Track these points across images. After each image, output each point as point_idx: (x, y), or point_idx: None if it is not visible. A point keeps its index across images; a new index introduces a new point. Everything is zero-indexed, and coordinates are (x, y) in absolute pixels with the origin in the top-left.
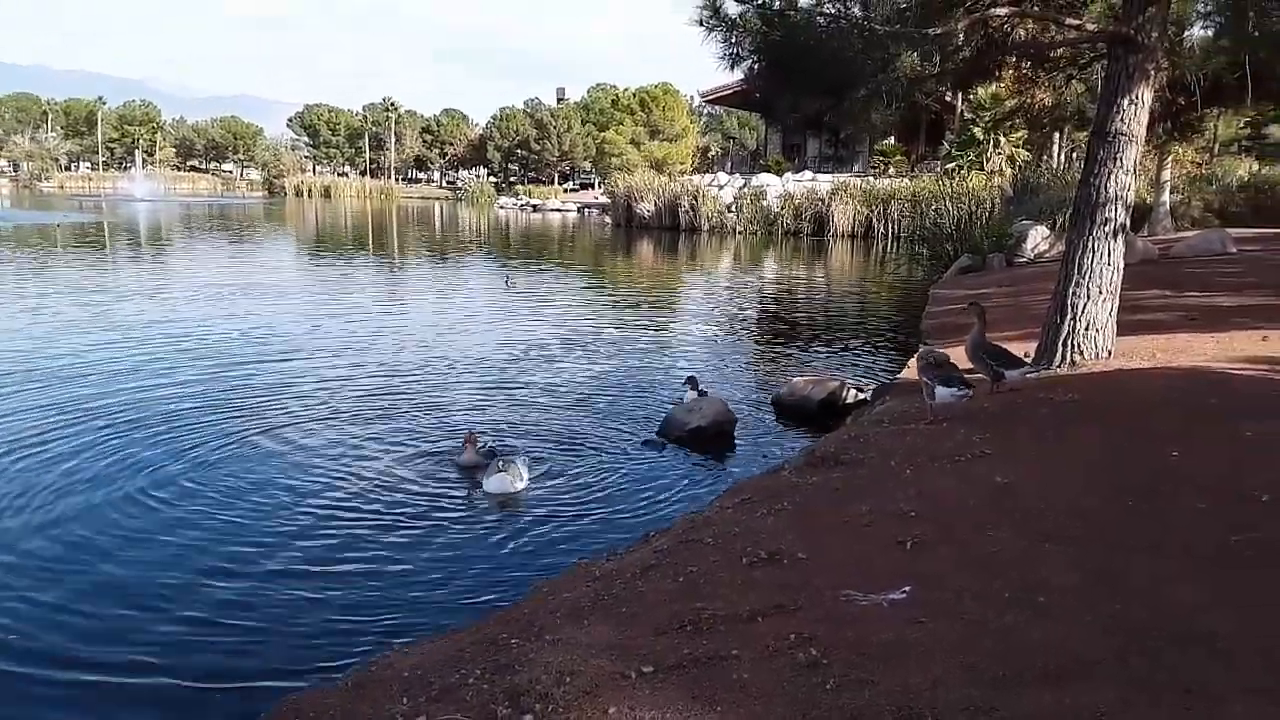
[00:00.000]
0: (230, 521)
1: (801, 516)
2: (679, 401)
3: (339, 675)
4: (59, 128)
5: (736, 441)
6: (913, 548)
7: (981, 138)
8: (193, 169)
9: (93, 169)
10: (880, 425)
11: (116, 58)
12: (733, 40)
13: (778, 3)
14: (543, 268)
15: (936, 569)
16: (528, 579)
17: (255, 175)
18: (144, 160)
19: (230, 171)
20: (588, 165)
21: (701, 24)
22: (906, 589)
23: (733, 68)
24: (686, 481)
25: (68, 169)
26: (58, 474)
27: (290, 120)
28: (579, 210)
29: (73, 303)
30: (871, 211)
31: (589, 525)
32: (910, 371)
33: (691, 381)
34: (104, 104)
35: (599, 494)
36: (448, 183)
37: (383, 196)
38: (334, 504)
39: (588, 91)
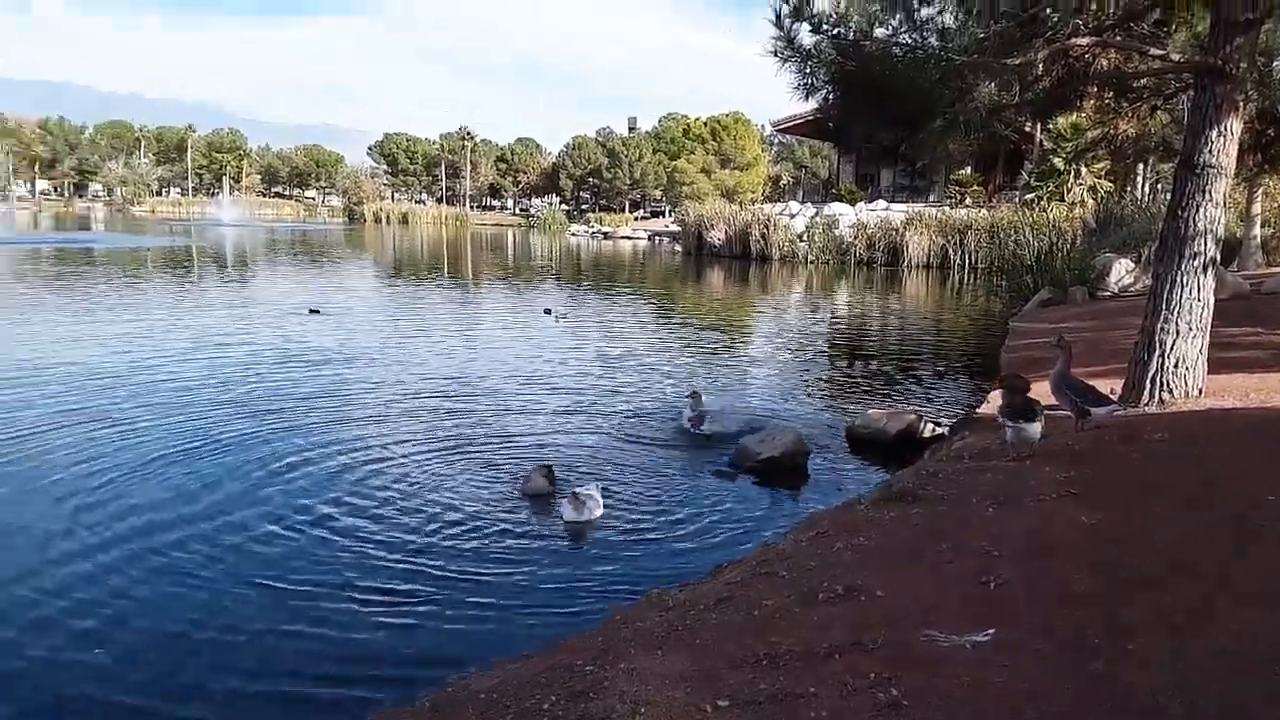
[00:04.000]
0: (305, 542)
1: (879, 552)
2: (699, 414)
3: (416, 695)
4: (151, 154)
5: (810, 473)
6: (996, 588)
7: (1062, 168)
8: (277, 195)
9: (182, 194)
10: (960, 461)
11: (207, 87)
12: (807, 71)
13: (853, 33)
14: (612, 294)
15: (1020, 611)
16: (600, 607)
17: (336, 202)
18: (231, 186)
19: (312, 198)
20: (658, 193)
21: (775, 55)
22: (990, 631)
23: (807, 98)
24: (758, 512)
25: (159, 194)
26: (142, 484)
27: (370, 149)
28: (649, 238)
29: (161, 322)
30: (947, 242)
31: (660, 555)
32: (990, 406)
33: (695, 397)
34: (194, 132)
35: (669, 523)
36: (521, 210)
37: (457, 223)
38: (408, 527)
39: (659, 121)
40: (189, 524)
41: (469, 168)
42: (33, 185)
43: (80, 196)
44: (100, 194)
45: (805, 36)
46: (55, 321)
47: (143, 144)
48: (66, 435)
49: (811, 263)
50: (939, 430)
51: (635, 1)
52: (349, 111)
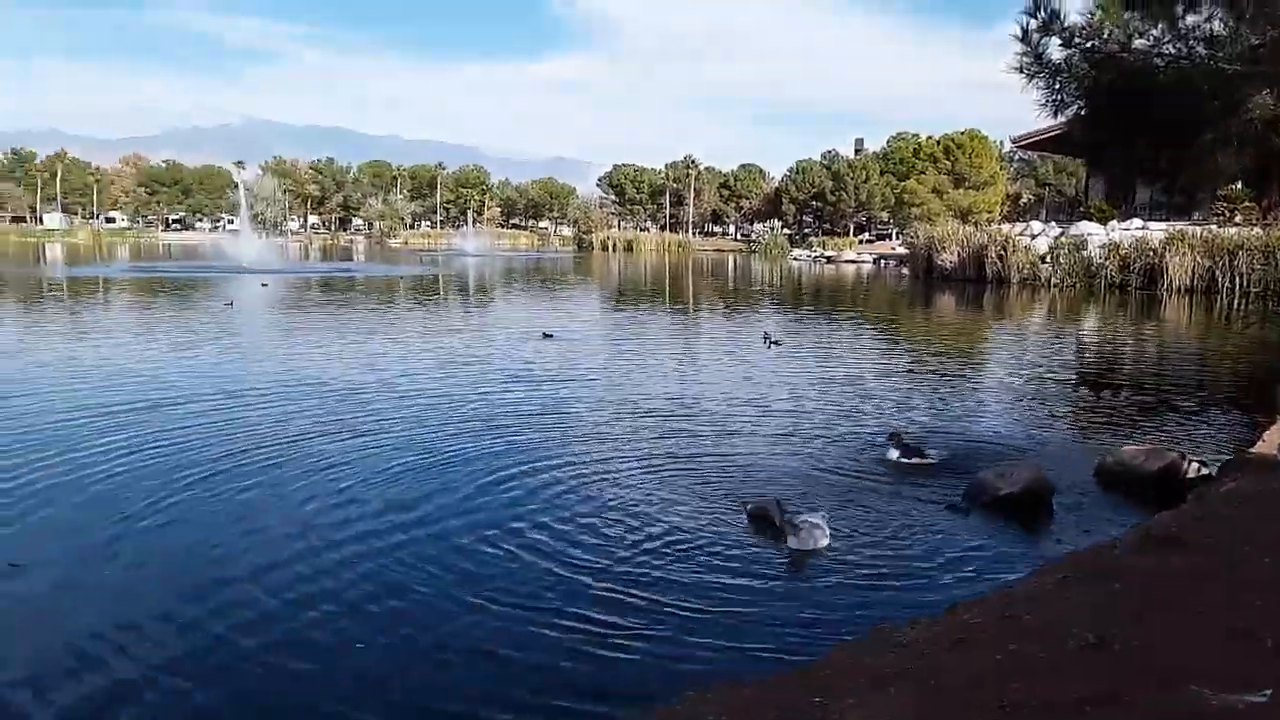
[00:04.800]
0: (515, 560)
1: (1136, 600)
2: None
3: (636, 712)
4: (406, 191)
5: (1054, 512)
6: (1273, 646)
7: None
8: (514, 226)
9: (432, 226)
10: (1231, 505)
11: (455, 128)
12: (1056, 86)
13: (1109, 45)
14: (834, 319)
15: None
16: (824, 638)
17: (567, 231)
18: (474, 218)
19: (545, 228)
20: (884, 216)
21: (1021, 71)
22: (1268, 691)
23: (1056, 114)
24: (994, 552)
25: (411, 227)
26: (371, 492)
27: (600, 180)
28: (874, 261)
29: (408, 344)
30: (1215, 263)
31: (886, 590)
32: (1268, 445)
33: (895, 438)
34: (443, 169)
35: (898, 558)
36: (742, 235)
37: (679, 249)
38: (621, 548)
39: (887, 141)
40: (405, 531)
41: (692, 195)
42: (304, 220)
43: (344, 230)
44: (361, 227)
45: (1055, 51)
46: (317, 342)
47: (399, 182)
48: (317, 444)
49: (1055, 286)
50: (1205, 471)
51: (860, 27)
52: (580, 145)
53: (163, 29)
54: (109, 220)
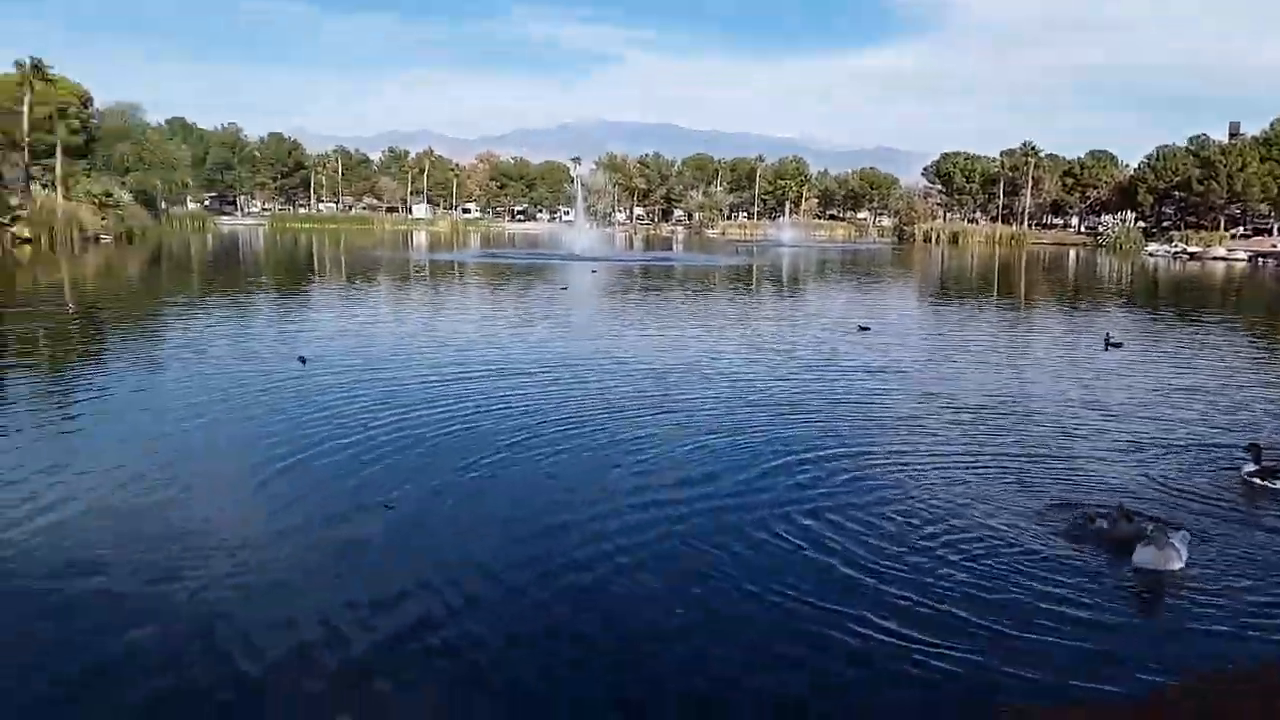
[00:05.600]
0: (817, 546)
1: None
2: None
3: None
4: (725, 183)
5: None
6: None
7: None
8: (831, 217)
9: (748, 217)
10: None
11: (773, 121)
12: None
13: None
14: (1193, 322)
15: None
16: (1180, 661)
17: (886, 222)
18: (790, 209)
19: (863, 219)
20: (1264, 208)
21: None
22: None
23: None
24: None
25: (728, 218)
26: (669, 465)
27: (925, 169)
28: (1250, 259)
29: (717, 329)
30: None
31: (1252, 618)
32: None
33: (1253, 450)
34: (762, 161)
35: (1266, 584)
36: (1086, 228)
37: (1012, 242)
38: (941, 547)
39: (1270, 125)
40: (699, 504)
41: (1030, 184)
42: (630, 212)
43: (665, 221)
44: (681, 219)
45: None
46: (637, 324)
47: (719, 174)
48: (629, 415)
49: None
50: None
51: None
52: (902, 134)
53: (511, 41)
54: (465, 211)
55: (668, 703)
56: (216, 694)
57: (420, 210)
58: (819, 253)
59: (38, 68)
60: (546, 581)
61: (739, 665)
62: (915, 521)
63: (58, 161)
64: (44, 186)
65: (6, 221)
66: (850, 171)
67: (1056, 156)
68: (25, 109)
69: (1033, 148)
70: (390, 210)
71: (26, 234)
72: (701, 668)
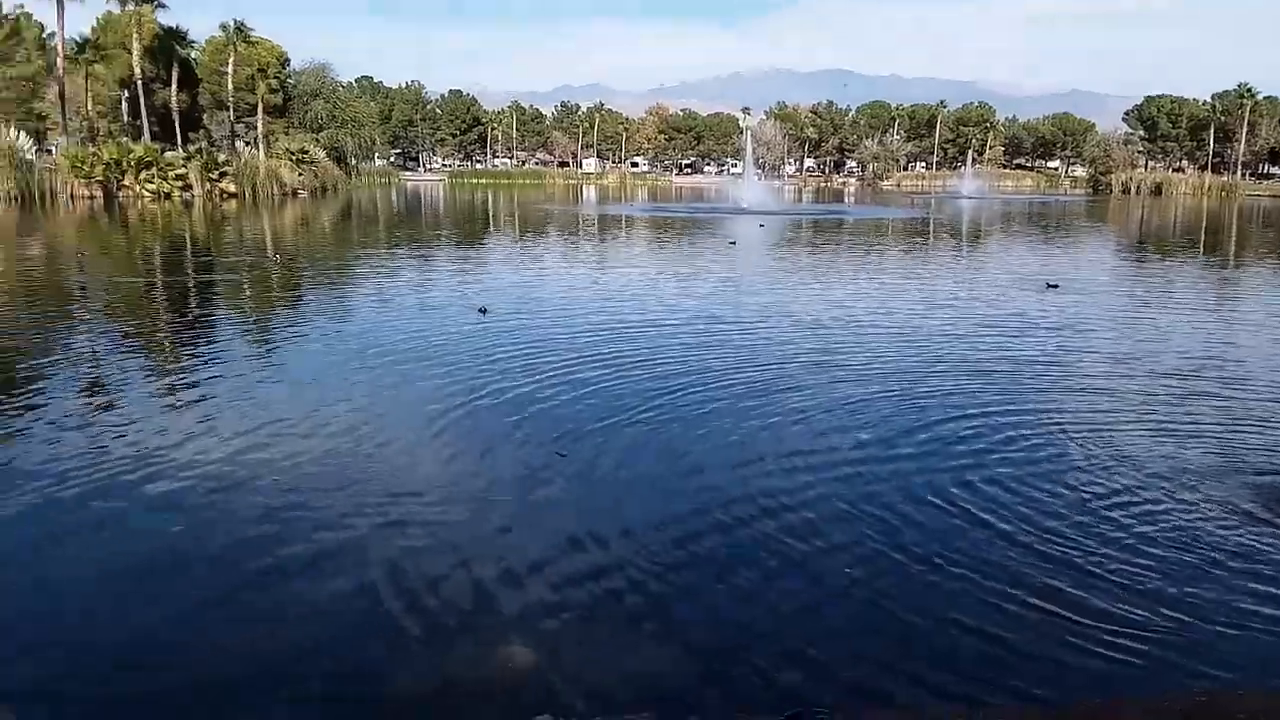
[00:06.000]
0: (988, 514)
1: None
2: None
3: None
4: (903, 131)
5: None
6: None
7: None
8: (1018, 166)
9: (927, 168)
10: None
11: (954, 64)
12: None
13: None
14: None
15: None
16: None
17: (1080, 172)
18: (973, 159)
19: (1054, 168)
20: None
21: None
22: None
23: None
24: None
25: (905, 168)
26: (846, 420)
27: (1126, 114)
28: None
29: (889, 286)
30: None
31: None
32: None
33: None
34: (944, 107)
35: None
36: None
37: (1223, 194)
38: (1159, 528)
39: None
40: (875, 464)
41: (1244, 129)
42: (800, 163)
43: (838, 172)
44: (854, 170)
45: None
46: (805, 279)
47: (896, 122)
48: (791, 369)
49: None
50: None
51: None
52: (1095, 76)
53: None
54: (633, 165)
55: (839, 658)
56: (408, 629)
57: (590, 164)
58: (1003, 205)
59: (240, 30)
60: (716, 534)
61: (915, 628)
62: (1103, 493)
63: (259, 120)
64: (246, 144)
65: (215, 177)
66: (1042, 117)
67: (1276, 99)
68: (230, 70)
69: (1249, 90)
70: (561, 165)
71: (233, 189)
72: (876, 627)
